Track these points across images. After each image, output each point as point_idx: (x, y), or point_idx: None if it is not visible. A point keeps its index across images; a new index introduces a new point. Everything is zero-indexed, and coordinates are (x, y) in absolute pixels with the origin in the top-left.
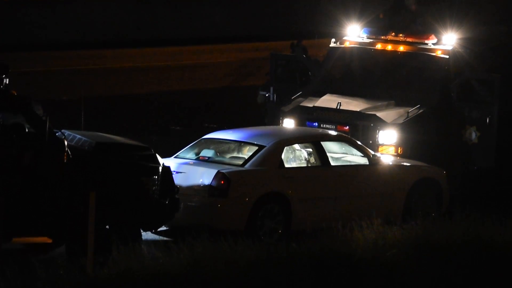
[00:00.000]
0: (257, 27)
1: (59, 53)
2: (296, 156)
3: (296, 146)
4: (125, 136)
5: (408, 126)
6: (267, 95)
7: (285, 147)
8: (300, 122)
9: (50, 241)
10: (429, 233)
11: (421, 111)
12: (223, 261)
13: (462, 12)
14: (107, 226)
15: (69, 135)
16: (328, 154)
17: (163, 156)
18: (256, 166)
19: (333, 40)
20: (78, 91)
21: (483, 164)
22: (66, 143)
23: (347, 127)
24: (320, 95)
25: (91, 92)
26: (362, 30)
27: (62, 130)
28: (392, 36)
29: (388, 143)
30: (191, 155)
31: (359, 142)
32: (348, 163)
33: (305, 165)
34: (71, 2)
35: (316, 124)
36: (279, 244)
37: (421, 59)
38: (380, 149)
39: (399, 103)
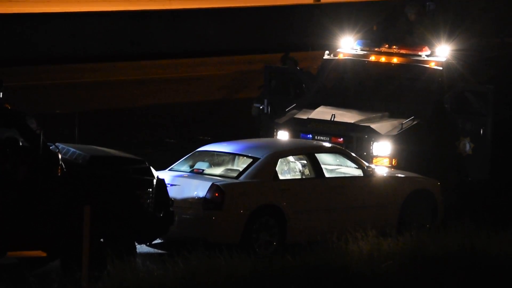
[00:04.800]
0: (251, 40)
1: (53, 67)
2: (290, 168)
3: (291, 158)
4: (119, 149)
5: (402, 138)
6: (261, 107)
7: (280, 159)
8: (294, 134)
9: (44, 255)
10: (424, 244)
11: (415, 122)
12: (219, 274)
13: (456, 24)
14: (102, 240)
15: (63, 148)
16: (323, 166)
17: (157, 169)
18: (250, 178)
19: (327, 52)
20: (72, 105)
21: (478, 175)
22: (60, 156)
23: (341, 139)
24: (314, 107)
25: (85, 106)
26: (356, 42)
27: (56, 144)
28: (385, 48)
29: (382, 154)
30: (185, 167)
31: (353, 154)
32: (343, 175)
33: (299, 177)
34: (65, 16)
35: (310, 136)
36: (274, 257)
37: (414, 71)
38: (374, 160)
39: (393, 115)
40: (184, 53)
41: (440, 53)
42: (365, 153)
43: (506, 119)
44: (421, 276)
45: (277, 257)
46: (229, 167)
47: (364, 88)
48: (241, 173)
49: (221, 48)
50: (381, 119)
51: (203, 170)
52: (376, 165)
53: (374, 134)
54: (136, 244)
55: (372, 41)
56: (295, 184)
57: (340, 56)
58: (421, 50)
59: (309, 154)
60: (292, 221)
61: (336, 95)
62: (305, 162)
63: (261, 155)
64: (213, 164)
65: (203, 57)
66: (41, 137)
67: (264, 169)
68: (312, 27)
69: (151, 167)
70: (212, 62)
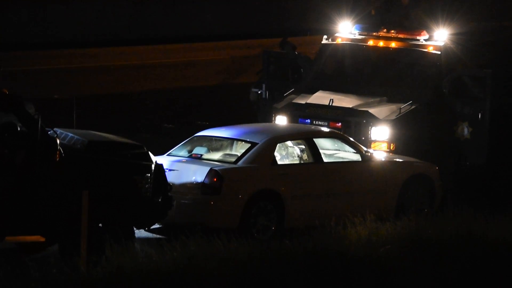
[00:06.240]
0: (249, 24)
1: (50, 52)
2: (288, 153)
3: (289, 143)
4: (117, 134)
5: (400, 122)
6: (259, 92)
7: (278, 144)
8: (293, 119)
9: (43, 239)
10: (421, 229)
11: (413, 107)
12: (217, 259)
13: (454, 8)
14: (100, 225)
15: (61, 133)
16: (321, 151)
17: (155, 154)
18: (249, 163)
19: (325, 36)
20: (70, 90)
21: (475, 159)
22: (58, 141)
23: (340, 124)
24: (312, 92)
25: (83, 91)
26: (354, 27)
27: (54, 129)
28: (384, 32)
29: (381, 139)
30: (183, 152)
31: (351, 139)
32: (341, 160)
33: (297, 162)
34: (62, 1)
35: (309, 121)
36: (272, 242)
37: (413, 55)
38: (372, 145)
39: (391, 100)
40: (182, 38)
41: (438, 37)
42: (363, 138)
43: (504, 103)
44: (419, 260)
45: (275, 241)
46: (228, 152)
47: (362, 72)
48: (239, 158)
49: (219, 33)
50: (379, 103)
51: (201, 155)
52: (374, 150)
53: (372, 119)
54: (134, 229)
55: (370, 26)
56: (293, 169)
57: (338, 41)
58: (419, 35)
59: (308, 139)
60: (290, 206)
61: (334, 80)
62: (303, 147)
63: (259, 140)
64: (211, 149)
65: (200, 42)
66: (39, 122)
67: (263, 154)
68: (310, 11)
69: (149, 152)
70: (210, 47)
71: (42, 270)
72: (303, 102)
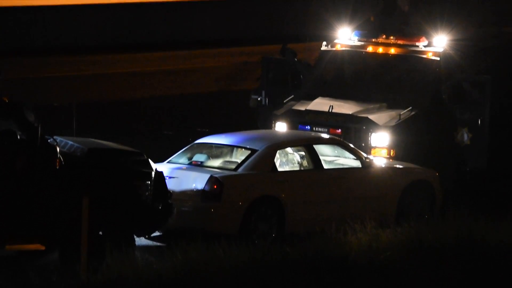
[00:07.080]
0: (248, 31)
1: (50, 58)
2: (288, 160)
3: (289, 149)
4: (117, 141)
5: (400, 129)
6: (259, 99)
7: (278, 151)
8: (292, 126)
9: (43, 248)
10: (422, 234)
11: (413, 113)
12: (217, 265)
13: (453, 14)
14: (100, 232)
15: (61, 141)
16: (321, 157)
17: (155, 161)
18: (249, 170)
19: (324, 43)
20: (70, 97)
21: (475, 165)
22: (58, 149)
23: (340, 130)
24: (312, 98)
25: (83, 98)
26: (353, 33)
27: (54, 137)
28: (383, 38)
29: (381, 145)
30: (183, 159)
31: (351, 145)
32: (341, 166)
33: (298, 168)
34: (62, 7)
35: (309, 127)
36: (273, 248)
37: (412, 62)
38: (372, 151)
39: (391, 106)
40: (181, 45)
41: (437, 43)
42: (363, 144)
43: (504, 108)
44: (420, 266)
45: (276, 247)
46: (228, 159)
47: (362, 79)
48: (239, 165)
49: (218, 40)
50: (379, 110)
51: (201, 162)
52: (374, 156)
53: (372, 125)
54: (135, 236)
55: (369, 32)
56: (293, 176)
57: (338, 47)
58: (418, 41)
59: (307, 146)
60: (290, 212)
61: (334, 86)
62: (303, 153)
63: (259, 147)
64: (211, 156)
65: (200, 48)
66: (39, 130)
67: (263, 160)
68: (310, 18)
69: (149, 160)
70: (209, 54)
71: (42, 277)
72: (302, 108)
